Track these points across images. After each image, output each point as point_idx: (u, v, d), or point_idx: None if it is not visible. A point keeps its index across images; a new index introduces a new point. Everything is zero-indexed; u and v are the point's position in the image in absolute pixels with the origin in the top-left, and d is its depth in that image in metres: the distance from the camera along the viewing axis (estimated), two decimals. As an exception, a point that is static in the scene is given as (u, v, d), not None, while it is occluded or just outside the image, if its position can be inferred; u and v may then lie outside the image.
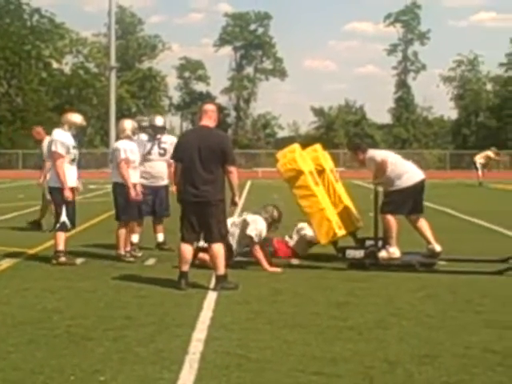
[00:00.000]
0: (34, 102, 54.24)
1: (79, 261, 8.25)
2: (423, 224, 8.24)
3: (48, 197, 9.37)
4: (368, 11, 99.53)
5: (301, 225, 8.62)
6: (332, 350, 4.68)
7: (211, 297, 6.32)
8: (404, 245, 8.19)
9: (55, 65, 59.63)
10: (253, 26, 69.89)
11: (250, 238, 7.76)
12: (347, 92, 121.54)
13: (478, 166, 26.92)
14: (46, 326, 5.25)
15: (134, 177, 8.37)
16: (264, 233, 7.87)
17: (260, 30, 69.78)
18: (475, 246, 9.70)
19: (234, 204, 7.01)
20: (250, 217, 7.98)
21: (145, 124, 9.39)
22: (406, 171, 8.25)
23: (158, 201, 9.19)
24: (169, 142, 9.09)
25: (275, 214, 8.09)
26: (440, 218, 12.92)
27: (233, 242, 7.80)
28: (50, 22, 58.57)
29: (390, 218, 8.01)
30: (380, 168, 8.13)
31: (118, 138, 8.84)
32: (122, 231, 8.38)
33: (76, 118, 8.40)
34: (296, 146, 8.21)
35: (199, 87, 70.94)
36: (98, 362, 4.38)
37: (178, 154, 6.85)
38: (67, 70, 61.34)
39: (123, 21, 65.24)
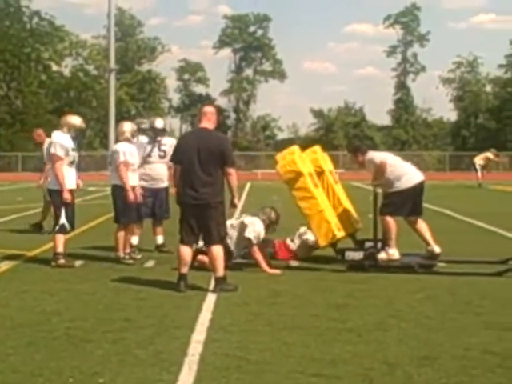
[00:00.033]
0: (33, 105, 54.24)
1: (78, 263, 8.25)
2: (422, 226, 8.25)
3: (48, 198, 9.37)
4: (367, 13, 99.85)
5: (303, 229, 8.58)
6: (331, 351, 4.67)
7: (210, 299, 6.31)
8: (403, 246, 8.18)
9: (55, 67, 59.71)
10: (252, 28, 69.91)
11: (249, 240, 7.76)
12: (347, 94, 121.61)
13: (478, 167, 26.94)
14: (45, 329, 5.25)
15: (132, 179, 8.37)
16: (262, 234, 7.87)
17: (259, 32, 69.81)
18: (474, 247, 9.70)
19: (234, 206, 7.02)
20: (247, 219, 7.97)
21: (145, 126, 9.41)
22: (406, 173, 8.25)
23: (158, 203, 9.20)
24: (169, 144, 9.10)
25: (273, 215, 8.09)
26: (439, 220, 12.92)
27: (231, 244, 7.79)
28: (50, 25, 58.66)
29: (390, 220, 8.02)
30: (379, 170, 8.13)
31: (117, 140, 8.85)
32: (121, 233, 8.37)
33: (75, 120, 8.41)
34: (295, 148, 8.20)
35: (199, 89, 71.07)
36: (97, 364, 4.37)
37: (178, 156, 6.85)
38: (67, 72, 61.50)
39: (123, 23, 65.27)
